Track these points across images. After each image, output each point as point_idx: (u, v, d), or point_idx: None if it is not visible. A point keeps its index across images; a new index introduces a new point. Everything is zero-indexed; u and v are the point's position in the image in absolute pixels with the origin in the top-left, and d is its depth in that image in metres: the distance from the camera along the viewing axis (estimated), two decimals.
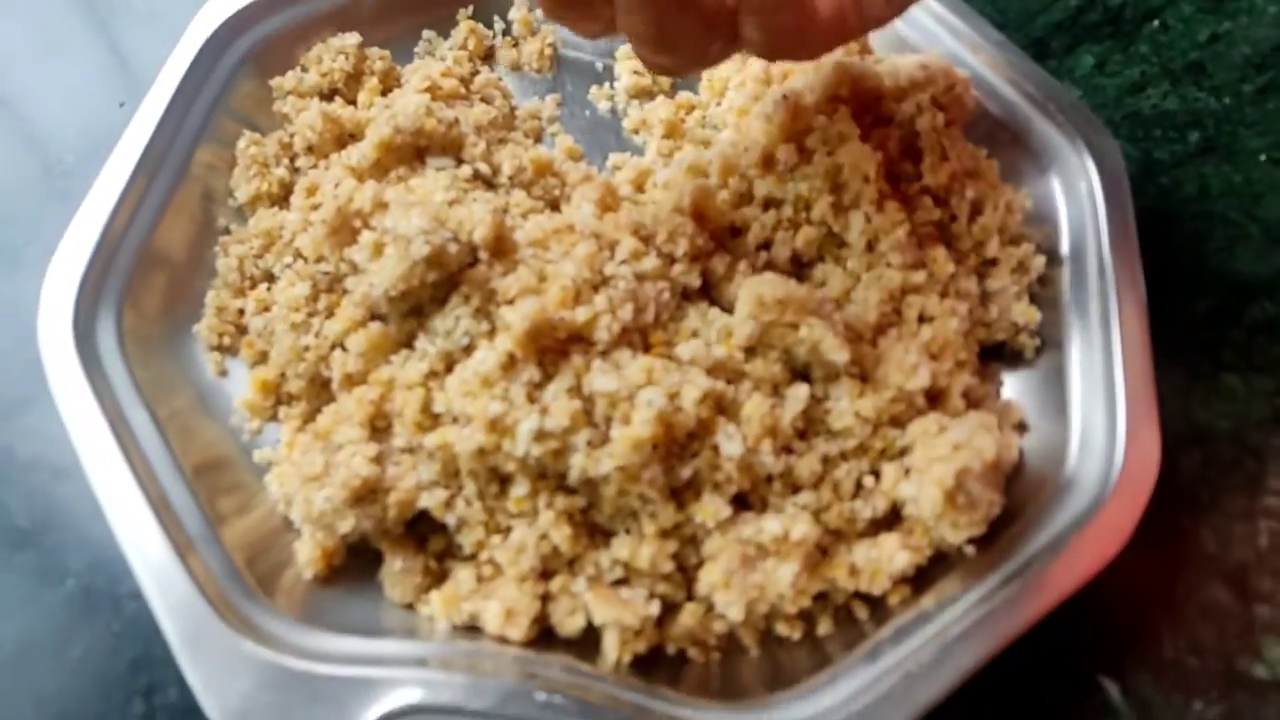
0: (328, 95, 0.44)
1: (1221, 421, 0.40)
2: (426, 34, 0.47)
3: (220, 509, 0.35)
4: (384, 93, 0.44)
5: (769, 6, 0.29)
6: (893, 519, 0.34)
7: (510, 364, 0.32)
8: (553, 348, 0.33)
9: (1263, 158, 0.48)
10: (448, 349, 0.33)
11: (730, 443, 0.32)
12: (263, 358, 0.38)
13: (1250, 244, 0.45)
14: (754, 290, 0.34)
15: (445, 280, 0.34)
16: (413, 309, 0.35)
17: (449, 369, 0.34)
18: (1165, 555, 0.37)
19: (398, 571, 0.33)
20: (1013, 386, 0.39)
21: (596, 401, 0.32)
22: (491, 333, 0.33)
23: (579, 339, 0.33)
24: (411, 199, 0.36)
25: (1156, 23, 0.53)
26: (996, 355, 0.40)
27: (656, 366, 0.32)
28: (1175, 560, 0.37)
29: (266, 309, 0.38)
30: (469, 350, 0.33)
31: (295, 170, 0.42)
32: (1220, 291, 0.44)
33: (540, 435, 0.31)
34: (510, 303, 0.33)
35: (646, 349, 0.34)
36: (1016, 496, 0.35)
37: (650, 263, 0.35)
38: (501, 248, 0.35)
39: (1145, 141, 0.49)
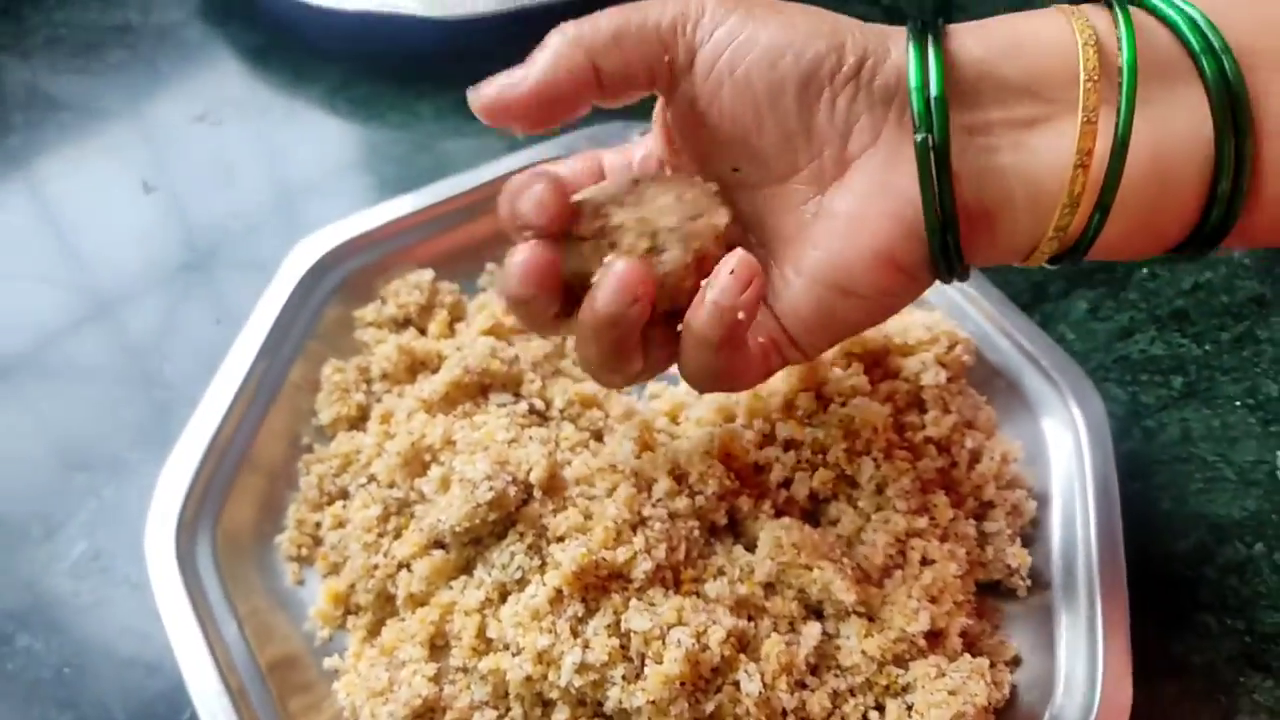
0: (403, 324, 0.50)
1: (1195, 656, 0.44)
2: (490, 266, 0.53)
3: (291, 707, 0.39)
4: (452, 322, 0.50)
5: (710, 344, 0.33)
6: None
7: (558, 599, 0.37)
8: (595, 584, 0.37)
9: (1238, 404, 0.53)
10: (502, 580, 0.38)
11: (750, 681, 0.36)
12: (335, 569, 0.43)
13: (1226, 487, 0.49)
14: (773, 534, 0.39)
15: (504, 518, 0.39)
16: (473, 540, 0.39)
17: (503, 598, 0.38)
18: None
19: None
20: (1010, 617, 0.44)
21: (632, 638, 0.36)
22: (542, 567, 0.38)
23: (618, 575, 0.38)
24: (476, 437, 0.41)
25: (1145, 270, 0.59)
26: (996, 590, 0.44)
27: (686, 606, 0.37)
28: None
29: (341, 525, 0.43)
30: (521, 582, 0.38)
31: (371, 394, 0.47)
32: (1198, 532, 0.48)
33: (582, 668, 0.35)
34: (560, 540, 0.38)
35: (678, 584, 0.39)
36: None
37: (682, 502, 0.40)
38: (553, 485, 0.40)
39: (1133, 385, 0.54)
